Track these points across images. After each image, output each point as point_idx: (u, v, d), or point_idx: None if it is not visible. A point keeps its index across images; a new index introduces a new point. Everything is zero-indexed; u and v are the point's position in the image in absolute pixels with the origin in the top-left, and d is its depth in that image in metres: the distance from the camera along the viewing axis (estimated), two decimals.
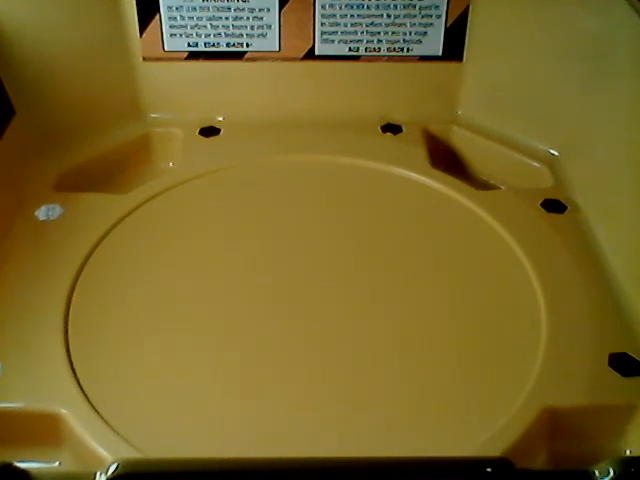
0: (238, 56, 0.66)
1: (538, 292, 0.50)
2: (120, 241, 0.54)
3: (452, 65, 0.67)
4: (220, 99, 0.68)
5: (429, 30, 0.65)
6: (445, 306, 0.51)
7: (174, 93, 0.67)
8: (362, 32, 0.65)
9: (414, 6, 0.64)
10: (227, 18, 0.64)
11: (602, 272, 0.52)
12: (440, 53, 0.66)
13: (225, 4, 0.64)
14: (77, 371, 0.45)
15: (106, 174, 0.64)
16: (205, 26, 0.65)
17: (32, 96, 0.62)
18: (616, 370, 0.45)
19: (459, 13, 0.64)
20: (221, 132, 0.66)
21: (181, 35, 0.65)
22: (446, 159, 0.67)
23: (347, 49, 0.66)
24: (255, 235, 0.56)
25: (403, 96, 0.68)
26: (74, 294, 0.50)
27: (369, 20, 0.65)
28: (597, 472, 0.31)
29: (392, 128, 0.67)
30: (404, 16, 0.64)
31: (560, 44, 0.63)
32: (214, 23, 0.64)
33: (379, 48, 0.66)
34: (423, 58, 0.66)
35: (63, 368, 0.45)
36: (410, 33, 0.65)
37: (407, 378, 0.46)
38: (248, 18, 0.64)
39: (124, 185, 0.62)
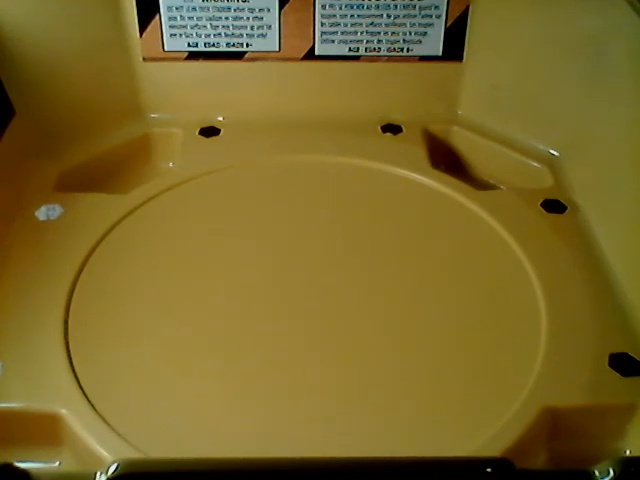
0: (238, 56, 0.66)
1: (538, 292, 0.50)
2: (120, 241, 0.54)
3: (452, 65, 0.67)
4: (220, 99, 0.68)
5: (429, 30, 0.65)
6: (445, 306, 0.51)
7: (174, 93, 0.67)
8: (362, 32, 0.65)
9: (414, 6, 0.64)
10: (227, 18, 0.64)
11: (602, 272, 0.52)
12: (440, 53, 0.66)
13: (225, 4, 0.64)
14: (77, 371, 0.45)
15: (106, 174, 0.64)
16: (205, 26, 0.65)
17: (32, 96, 0.62)
18: (616, 370, 0.45)
19: (459, 13, 0.64)
20: (221, 132, 0.66)
21: (181, 35, 0.65)
22: (446, 159, 0.67)
23: (347, 49, 0.66)
24: (255, 235, 0.56)
25: (403, 96, 0.68)
26: (74, 294, 0.50)
27: (369, 20, 0.65)
28: (597, 472, 0.31)
29: (392, 128, 0.67)
30: (404, 16, 0.64)
31: (560, 44, 0.63)
32: (214, 23, 0.64)
33: (379, 48, 0.66)
34: (423, 58, 0.66)
35: (63, 368, 0.45)
36: (410, 33, 0.65)
37: (407, 378, 0.46)
38: (248, 18, 0.64)
39: (124, 185, 0.62)
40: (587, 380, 0.45)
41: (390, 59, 0.66)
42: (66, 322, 0.48)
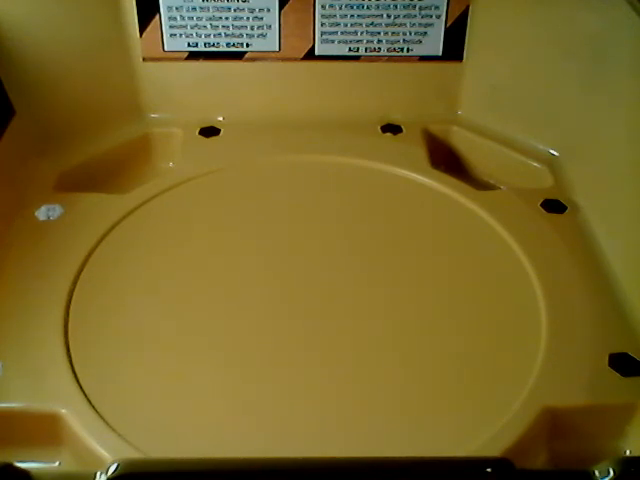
0: (238, 56, 0.66)
1: (538, 292, 0.50)
2: (120, 241, 0.54)
3: (452, 65, 0.67)
4: (220, 99, 0.68)
5: (429, 30, 0.65)
6: (445, 306, 0.51)
7: (174, 93, 0.67)
8: (362, 32, 0.65)
9: (414, 6, 0.64)
10: (227, 18, 0.64)
11: (602, 272, 0.52)
12: (440, 53, 0.66)
13: (225, 4, 0.64)
14: (77, 371, 0.45)
15: (106, 174, 0.64)
16: (205, 26, 0.65)
17: (32, 96, 0.62)
18: (616, 370, 0.45)
19: (459, 13, 0.64)
20: (221, 132, 0.66)
21: (181, 35, 0.65)
22: (446, 159, 0.67)
23: (347, 49, 0.66)
24: (255, 235, 0.56)
25: (403, 96, 0.68)
26: (74, 294, 0.50)
27: (369, 20, 0.65)
28: (597, 472, 0.31)
29: (392, 128, 0.67)
30: (404, 16, 0.64)
31: (560, 44, 0.63)
32: (214, 23, 0.64)
33: (379, 48, 0.66)
34: (423, 58, 0.66)
35: (63, 368, 0.45)
36: (410, 33, 0.65)
37: (407, 378, 0.46)
38: (248, 18, 0.64)
39: (124, 185, 0.62)
40: (587, 380, 0.45)
41: (390, 59, 0.66)
42: (66, 322, 0.48)
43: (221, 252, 0.54)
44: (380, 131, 0.67)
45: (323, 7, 0.64)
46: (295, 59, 0.66)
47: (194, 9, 0.64)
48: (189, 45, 0.65)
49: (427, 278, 0.53)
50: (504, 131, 0.67)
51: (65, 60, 0.63)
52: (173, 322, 0.49)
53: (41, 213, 0.56)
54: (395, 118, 0.68)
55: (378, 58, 0.66)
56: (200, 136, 0.66)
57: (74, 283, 0.50)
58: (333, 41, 0.65)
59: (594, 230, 0.56)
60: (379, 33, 0.65)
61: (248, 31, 0.65)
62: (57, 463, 0.43)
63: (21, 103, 0.61)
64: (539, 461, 0.43)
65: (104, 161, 0.65)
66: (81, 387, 0.44)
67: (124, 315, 0.49)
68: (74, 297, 0.50)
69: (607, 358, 0.46)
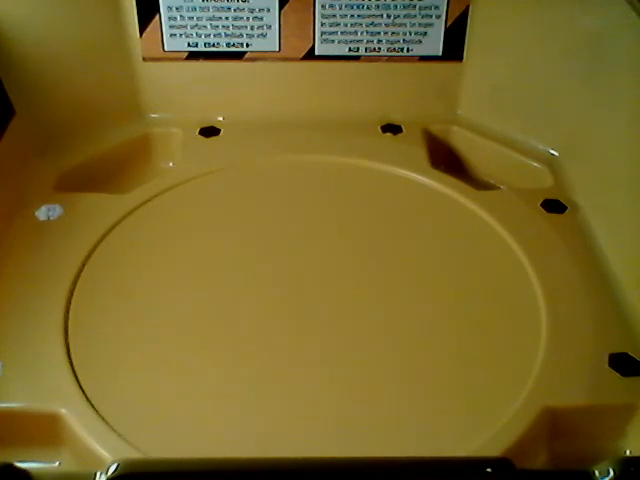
0: (238, 56, 0.66)
1: (538, 292, 0.50)
2: (120, 241, 0.54)
3: (452, 65, 0.67)
4: (220, 99, 0.68)
5: (429, 30, 0.65)
6: (445, 306, 0.51)
7: (174, 93, 0.67)
8: (362, 32, 0.65)
9: (414, 6, 0.64)
10: (227, 18, 0.64)
11: (602, 272, 0.52)
12: (440, 53, 0.66)
13: (225, 4, 0.64)
14: (77, 371, 0.45)
15: (106, 174, 0.64)
16: (205, 26, 0.65)
17: (32, 96, 0.62)
18: (616, 370, 0.45)
19: (459, 13, 0.64)
20: (221, 132, 0.66)
21: (181, 35, 0.65)
22: (446, 159, 0.67)
23: (347, 49, 0.66)
24: (255, 235, 0.56)
25: (403, 96, 0.68)
26: (74, 294, 0.50)
27: (369, 20, 0.65)
28: (597, 472, 0.31)
29: (392, 128, 0.67)
30: (404, 16, 0.65)
31: (560, 44, 0.63)
32: (214, 23, 0.64)
33: (379, 48, 0.66)
34: (423, 58, 0.66)
35: (63, 368, 0.45)
36: (410, 33, 0.65)
37: (407, 378, 0.46)
38: (248, 18, 0.64)
39: (124, 185, 0.62)
40: (587, 380, 0.45)
41: (390, 59, 0.66)
42: (66, 322, 0.48)
43: (221, 252, 0.54)
44: (380, 131, 0.67)
45: (323, 7, 0.64)
46: (295, 59, 0.66)
47: (194, 9, 0.64)
48: (189, 45, 0.65)
49: (427, 278, 0.53)
50: (504, 131, 0.67)
51: (65, 60, 0.63)
52: (173, 322, 0.49)
53: (41, 213, 0.56)
54: (395, 118, 0.68)
55: (378, 58, 0.66)
56: (200, 136, 0.66)
57: (74, 283, 0.50)
58: (333, 41, 0.65)
59: (594, 230, 0.56)
60: (379, 33, 0.65)
61: (248, 31, 0.65)
62: (57, 463, 0.43)
63: (21, 103, 0.61)
64: (539, 461, 0.43)
65: (104, 161, 0.65)
66: (81, 387, 0.44)
67: (124, 315, 0.49)
68: (74, 297, 0.50)
69: (607, 358, 0.46)
